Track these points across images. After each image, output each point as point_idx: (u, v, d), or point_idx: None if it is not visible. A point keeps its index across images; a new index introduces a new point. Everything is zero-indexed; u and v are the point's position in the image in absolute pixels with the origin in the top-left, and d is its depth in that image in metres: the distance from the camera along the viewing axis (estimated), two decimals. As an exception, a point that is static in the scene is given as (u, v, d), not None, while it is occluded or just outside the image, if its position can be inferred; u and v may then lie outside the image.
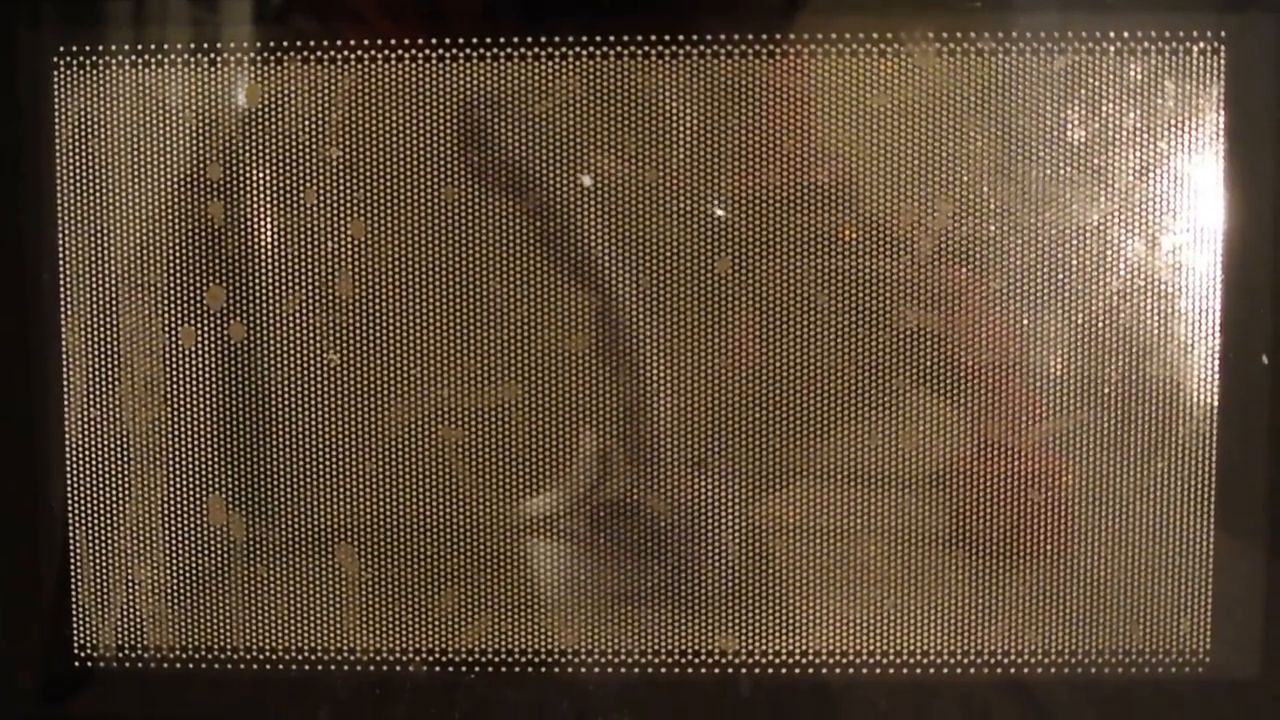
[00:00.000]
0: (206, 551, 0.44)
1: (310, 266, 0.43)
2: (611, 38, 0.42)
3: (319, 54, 0.42)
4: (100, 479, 0.44)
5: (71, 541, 0.44)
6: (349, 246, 0.43)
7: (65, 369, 0.44)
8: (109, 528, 0.44)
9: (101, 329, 0.44)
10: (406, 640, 0.44)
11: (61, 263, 0.43)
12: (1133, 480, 0.43)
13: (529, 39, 0.42)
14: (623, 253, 0.42)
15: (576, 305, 0.43)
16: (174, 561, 0.44)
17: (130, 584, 0.44)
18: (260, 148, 0.43)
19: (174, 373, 0.44)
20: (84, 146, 0.43)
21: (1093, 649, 0.43)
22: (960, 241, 0.42)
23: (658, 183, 0.42)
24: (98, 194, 0.43)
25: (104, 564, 0.44)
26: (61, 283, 0.44)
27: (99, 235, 0.43)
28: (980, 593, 0.43)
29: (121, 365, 0.44)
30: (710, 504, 0.43)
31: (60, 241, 0.43)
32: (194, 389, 0.44)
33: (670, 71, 0.42)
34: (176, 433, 0.44)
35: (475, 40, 0.42)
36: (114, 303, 0.44)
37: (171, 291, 0.43)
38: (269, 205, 0.43)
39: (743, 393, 0.43)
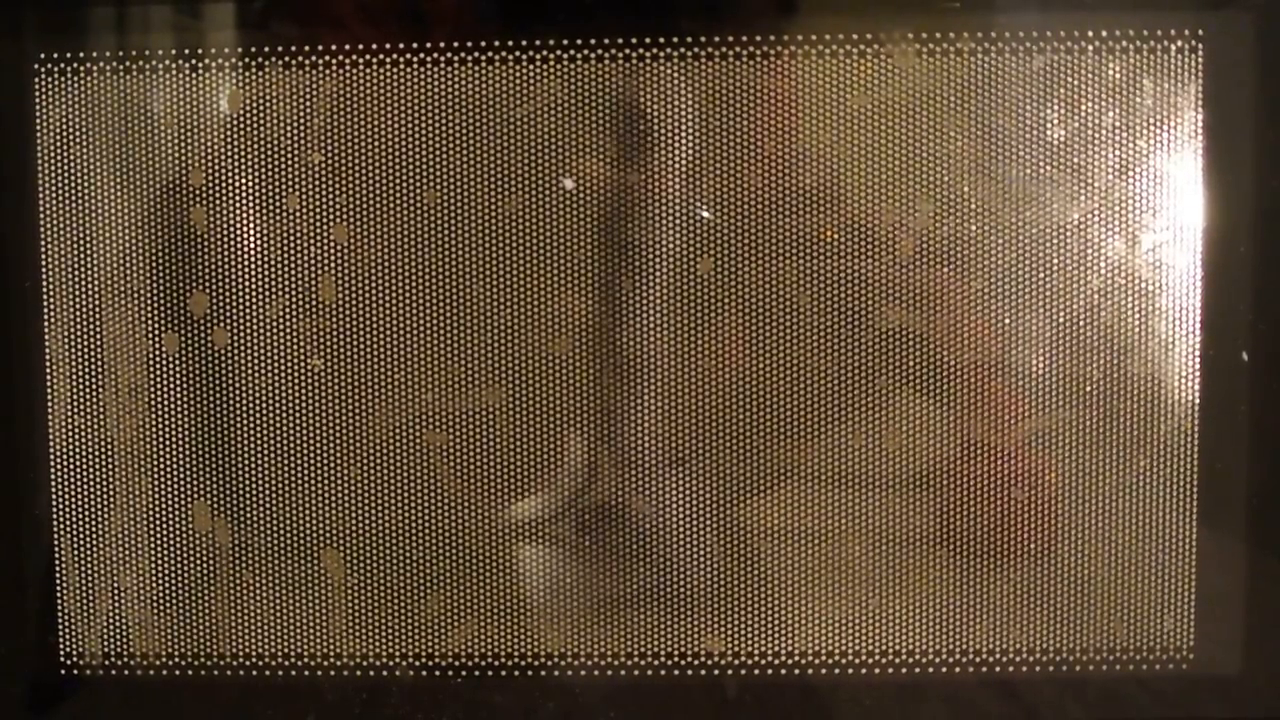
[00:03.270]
0: (192, 558, 0.44)
1: (293, 272, 0.43)
2: (592, 41, 0.42)
3: (300, 59, 0.42)
4: (85, 485, 0.44)
5: (57, 548, 0.44)
6: (331, 252, 0.43)
7: (49, 376, 0.44)
8: (94, 534, 0.44)
9: (85, 336, 0.44)
10: (393, 645, 0.44)
11: (44, 270, 0.43)
12: (1115, 478, 0.43)
13: (510, 43, 0.42)
14: (605, 255, 0.42)
15: (560, 308, 0.43)
16: (160, 568, 0.44)
17: (116, 591, 0.44)
18: (242, 153, 0.43)
19: (158, 379, 0.44)
20: (66, 153, 0.43)
21: (1077, 647, 0.43)
22: (941, 241, 0.42)
23: (639, 184, 0.42)
24: (80, 201, 0.43)
25: (90, 571, 0.44)
26: (44, 290, 0.43)
27: (82, 242, 0.43)
28: (965, 592, 0.43)
29: (105, 372, 0.44)
30: (695, 506, 0.43)
31: (43, 248, 0.43)
32: (178, 395, 0.44)
33: (651, 74, 0.42)
34: (161, 439, 0.44)
35: (456, 44, 0.42)
36: (97, 309, 0.44)
37: (155, 298, 0.43)
38: (251, 211, 0.43)
39: (726, 394, 0.43)
